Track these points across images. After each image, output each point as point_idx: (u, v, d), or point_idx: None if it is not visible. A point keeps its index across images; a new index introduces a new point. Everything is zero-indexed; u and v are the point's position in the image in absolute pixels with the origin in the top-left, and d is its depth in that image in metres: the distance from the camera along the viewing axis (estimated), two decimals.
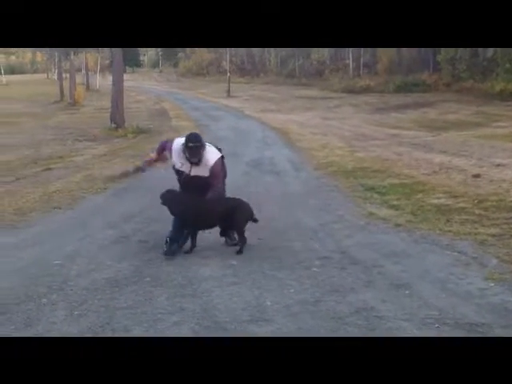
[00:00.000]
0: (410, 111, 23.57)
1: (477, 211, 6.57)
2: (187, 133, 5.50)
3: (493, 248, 5.14)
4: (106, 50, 40.55)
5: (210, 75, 54.80)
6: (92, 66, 47.52)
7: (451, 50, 30.12)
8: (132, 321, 3.73)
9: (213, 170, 5.21)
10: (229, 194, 5.64)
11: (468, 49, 28.88)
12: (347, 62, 40.93)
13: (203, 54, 57.11)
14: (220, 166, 5.31)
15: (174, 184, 5.51)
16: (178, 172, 5.37)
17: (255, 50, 51.24)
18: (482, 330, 3.47)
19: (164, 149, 5.52)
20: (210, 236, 5.45)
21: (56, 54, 37.22)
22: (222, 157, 5.41)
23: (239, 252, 5.24)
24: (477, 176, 8.87)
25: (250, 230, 5.41)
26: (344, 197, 8.00)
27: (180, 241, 5.24)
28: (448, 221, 6.22)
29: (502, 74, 26.84)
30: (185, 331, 3.56)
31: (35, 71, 68.03)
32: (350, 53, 39.85)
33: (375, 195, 7.85)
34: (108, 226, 6.35)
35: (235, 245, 5.38)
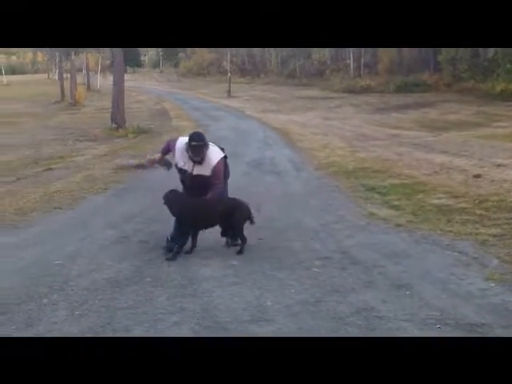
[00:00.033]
0: (410, 111, 23.54)
1: (478, 211, 6.57)
2: (191, 132, 5.49)
3: (494, 248, 5.14)
4: (107, 50, 40.48)
5: (210, 75, 54.75)
6: (93, 66, 47.49)
7: (452, 50, 30.08)
8: (133, 321, 3.73)
9: (215, 169, 5.20)
10: (230, 194, 5.63)
11: (469, 49, 28.84)
12: (348, 62, 40.89)
13: (204, 54, 57.04)
14: (222, 165, 5.31)
15: (175, 184, 5.51)
16: (181, 171, 5.37)
17: (256, 50, 51.18)
18: (482, 330, 3.47)
19: (169, 149, 5.51)
20: (210, 236, 5.45)
21: (57, 54, 37.17)
22: (225, 157, 5.41)
23: (240, 252, 5.24)
24: (478, 176, 8.87)
25: (250, 230, 5.41)
26: (345, 197, 8.00)
27: (180, 241, 5.24)
28: (449, 221, 6.22)
29: (503, 75, 26.81)
30: (185, 331, 3.57)
31: (36, 71, 68.02)
32: (350, 53, 39.81)
33: (376, 195, 7.85)
34: (109, 226, 6.35)
35: (236, 245, 5.38)
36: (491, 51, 27.69)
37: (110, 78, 22.59)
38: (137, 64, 70.48)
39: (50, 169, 10.90)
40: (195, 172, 5.24)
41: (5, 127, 18.86)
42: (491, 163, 10.11)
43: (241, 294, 4.22)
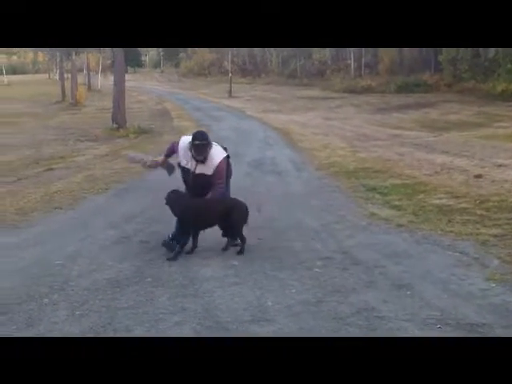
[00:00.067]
0: (411, 111, 23.52)
1: (478, 212, 6.56)
2: (194, 131, 5.49)
3: (494, 248, 5.14)
4: (108, 50, 40.50)
5: (211, 75, 54.75)
6: (94, 66, 47.51)
7: (453, 51, 30.05)
8: (133, 321, 3.73)
9: (217, 168, 5.20)
10: (231, 194, 5.63)
11: (469, 49, 28.81)
12: (349, 62, 40.88)
13: (205, 55, 57.04)
14: (225, 165, 5.30)
15: (175, 184, 5.51)
16: (184, 169, 5.37)
17: (257, 51, 51.19)
18: (483, 330, 3.47)
19: (173, 150, 5.50)
20: (210, 236, 5.45)
21: (57, 54, 37.16)
22: (228, 156, 5.41)
23: (240, 252, 5.24)
24: (478, 176, 8.86)
25: (250, 230, 5.41)
26: (346, 197, 7.99)
27: (181, 241, 5.24)
28: (450, 221, 6.21)
29: (504, 75, 26.77)
30: (186, 331, 3.57)
31: (37, 71, 68.03)
32: (351, 53, 39.81)
33: (377, 196, 7.84)
34: (109, 227, 6.35)
35: (235, 245, 5.38)
36: (492, 51, 27.65)
37: (111, 78, 22.59)
38: (138, 64, 70.55)
39: (51, 169, 10.91)
40: (198, 171, 5.24)
41: (5, 127, 18.87)
42: (492, 163, 10.11)
43: (242, 294, 4.22)
